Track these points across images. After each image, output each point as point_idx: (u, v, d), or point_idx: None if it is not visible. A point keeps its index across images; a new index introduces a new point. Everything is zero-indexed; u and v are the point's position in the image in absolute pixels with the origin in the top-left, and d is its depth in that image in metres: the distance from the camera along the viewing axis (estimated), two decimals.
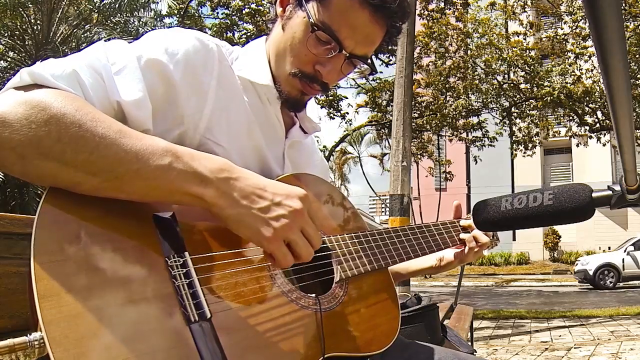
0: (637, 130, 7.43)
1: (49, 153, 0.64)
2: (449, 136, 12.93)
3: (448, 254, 1.23)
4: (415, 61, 10.61)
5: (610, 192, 0.67)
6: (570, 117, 11.68)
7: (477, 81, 11.65)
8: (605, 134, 11.30)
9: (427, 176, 19.08)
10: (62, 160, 0.65)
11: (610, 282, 14.56)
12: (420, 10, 10.70)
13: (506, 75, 11.85)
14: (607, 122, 10.80)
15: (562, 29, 11.32)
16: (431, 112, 11.73)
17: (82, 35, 11.82)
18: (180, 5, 10.58)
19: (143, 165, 0.67)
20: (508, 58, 11.25)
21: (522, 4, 11.22)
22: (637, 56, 9.94)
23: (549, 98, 10.57)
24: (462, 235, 1.22)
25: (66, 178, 0.66)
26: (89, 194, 0.67)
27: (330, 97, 11.47)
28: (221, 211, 0.71)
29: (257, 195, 0.72)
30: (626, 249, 15.09)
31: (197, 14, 10.54)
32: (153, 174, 0.68)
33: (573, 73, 10.80)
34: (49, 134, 0.64)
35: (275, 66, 0.94)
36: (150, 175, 0.68)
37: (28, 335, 0.60)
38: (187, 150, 0.72)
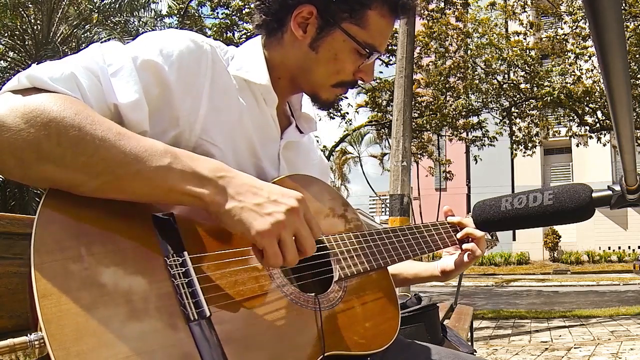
0: (637, 130, 7.43)
1: (48, 157, 0.65)
2: (449, 136, 12.92)
3: (449, 263, 1.23)
4: (415, 61, 10.60)
5: (610, 192, 0.67)
6: (570, 117, 11.67)
7: (477, 81, 11.64)
8: (605, 134, 11.29)
9: (427, 176, 19.10)
10: (62, 163, 0.65)
11: None
12: (420, 10, 10.69)
13: (506, 75, 11.84)
14: (607, 122, 10.80)
15: (562, 29, 11.31)
16: (431, 112, 11.72)
17: (82, 35, 11.82)
18: (180, 5, 10.58)
19: (143, 167, 0.68)
20: (508, 58, 11.24)
21: (522, 4, 11.21)
22: (637, 56, 9.93)
23: (549, 98, 10.56)
24: (459, 235, 1.22)
25: (66, 180, 0.66)
26: (89, 195, 0.68)
27: None
28: (218, 208, 0.71)
29: (252, 193, 0.73)
30: None
31: (197, 14, 10.54)
32: (153, 174, 0.68)
33: (573, 73, 10.79)
34: (49, 137, 0.64)
35: (303, 79, 0.98)
36: (149, 176, 0.68)
37: (28, 335, 0.60)
38: (185, 151, 0.73)
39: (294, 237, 0.74)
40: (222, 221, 0.72)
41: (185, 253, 0.72)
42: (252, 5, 0.97)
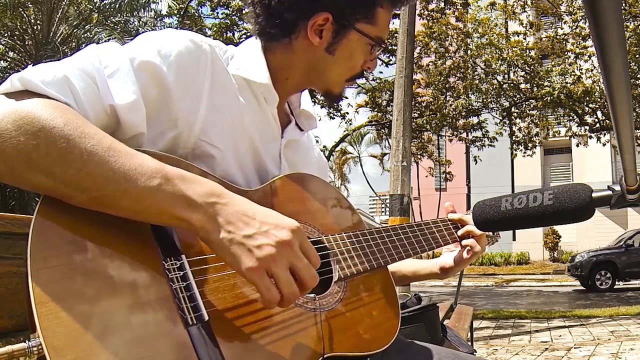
0: (637, 130, 7.43)
1: (38, 166, 0.64)
2: (449, 136, 12.92)
3: (448, 260, 1.23)
4: (415, 61, 10.61)
5: (610, 192, 0.67)
6: (570, 117, 11.68)
7: (477, 81, 11.65)
8: (605, 134, 11.31)
9: (427, 176, 19.11)
10: (51, 174, 0.64)
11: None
12: (420, 10, 10.70)
13: (506, 75, 11.85)
14: (607, 122, 10.80)
15: (562, 29, 11.31)
16: (431, 112, 11.72)
17: (82, 35, 11.81)
18: (180, 5, 10.59)
19: (131, 186, 0.66)
20: (508, 58, 11.25)
21: (522, 4, 11.22)
22: (637, 56, 9.94)
23: (549, 98, 10.57)
24: (460, 232, 1.21)
25: (56, 191, 0.65)
26: (81, 206, 0.67)
27: None
28: (207, 236, 0.69)
29: (243, 222, 0.69)
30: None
31: (197, 14, 10.55)
32: (141, 195, 0.66)
33: (573, 73, 10.80)
34: (38, 147, 0.63)
35: (317, 79, 1.00)
36: (138, 197, 0.66)
37: (27, 341, 0.60)
38: (177, 171, 0.70)
39: (290, 271, 0.70)
40: (211, 249, 0.70)
41: (183, 256, 0.72)
42: (255, 13, 0.96)
